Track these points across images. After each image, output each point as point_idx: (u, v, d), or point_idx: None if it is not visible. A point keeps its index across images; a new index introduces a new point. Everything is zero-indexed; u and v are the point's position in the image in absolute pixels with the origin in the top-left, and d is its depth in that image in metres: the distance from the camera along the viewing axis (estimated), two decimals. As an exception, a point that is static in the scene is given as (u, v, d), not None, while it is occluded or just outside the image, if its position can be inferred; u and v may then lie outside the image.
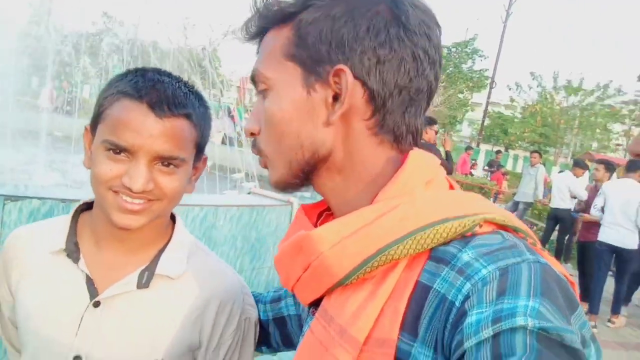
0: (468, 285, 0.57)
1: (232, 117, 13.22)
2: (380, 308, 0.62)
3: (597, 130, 31.57)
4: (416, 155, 0.69)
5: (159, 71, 0.98)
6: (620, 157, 29.19)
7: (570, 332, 0.50)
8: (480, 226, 0.63)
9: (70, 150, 7.00)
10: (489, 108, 28.85)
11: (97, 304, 0.97)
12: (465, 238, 0.62)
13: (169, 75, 0.99)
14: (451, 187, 0.73)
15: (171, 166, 0.94)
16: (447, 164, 7.29)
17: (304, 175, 0.73)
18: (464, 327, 0.53)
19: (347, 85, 0.67)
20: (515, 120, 33.37)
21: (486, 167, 18.38)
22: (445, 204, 0.65)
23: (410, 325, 0.60)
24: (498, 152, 20.17)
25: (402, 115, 0.70)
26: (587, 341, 0.54)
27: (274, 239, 4.47)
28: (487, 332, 0.51)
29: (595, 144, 33.36)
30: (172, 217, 1.11)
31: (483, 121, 27.06)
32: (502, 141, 33.39)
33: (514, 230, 0.66)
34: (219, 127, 12.88)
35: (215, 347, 1.06)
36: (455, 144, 27.43)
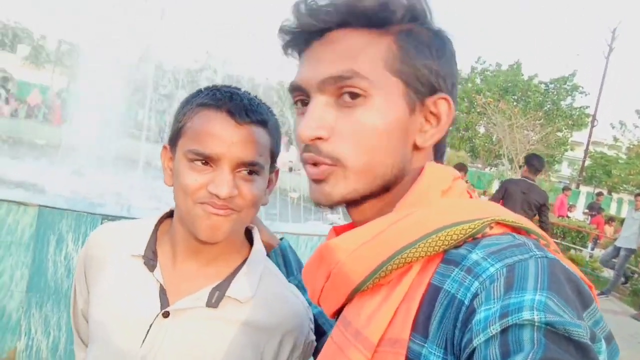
0: (476, 284, 0.57)
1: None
2: (394, 310, 0.63)
3: None
4: (432, 166, 0.71)
5: (230, 86, 1.02)
6: None
7: (577, 327, 0.49)
8: (491, 227, 0.64)
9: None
10: (591, 148, 27.49)
11: (166, 314, 0.99)
12: (476, 240, 0.63)
13: (240, 89, 1.02)
14: (470, 197, 0.73)
15: (252, 174, 0.96)
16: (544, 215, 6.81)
17: (376, 194, 0.72)
18: (473, 324, 0.54)
19: (448, 114, 0.72)
20: (620, 161, 31.45)
21: (586, 210, 17.40)
22: (459, 209, 0.66)
23: (421, 325, 0.61)
24: (599, 194, 19.03)
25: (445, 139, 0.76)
26: (598, 337, 0.52)
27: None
28: (495, 328, 0.51)
29: None
30: (249, 237, 1.13)
31: (584, 161, 25.82)
32: (605, 183, 31.50)
33: (527, 232, 0.66)
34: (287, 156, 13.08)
35: None
36: (553, 184, 26.23)
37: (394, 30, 0.69)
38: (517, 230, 0.66)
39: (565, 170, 42.23)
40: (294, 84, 0.73)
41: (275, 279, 1.11)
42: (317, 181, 0.71)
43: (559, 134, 30.55)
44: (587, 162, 27.96)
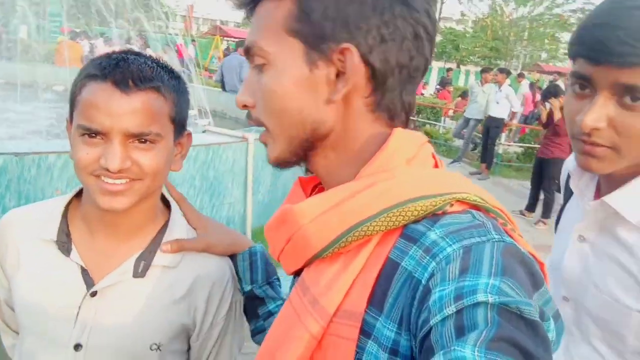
0: (433, 264, 0.58)
1: (178, 51, 12.83)
2: (351, 281, 0.64)
3: (546, 41, 31.96)
4: (399, 133, 0.70)
5: (125, 52, 0.98)
6: (568, 66, 29.73)
7: (528, 305, 0.52)
8: (452, 205, 0.64)
9: (17, 98, 6.75)
10: (441, 24, 28.70)
11: (93, 294, 0.99)
12: (435, 217, 0.64)
13: (137, 54, 0.99)
14: (436, 165, 0.73)
15: (147, 142, 0.94)
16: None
17: (303, 152, 0.73)
18: (430, 304, 0.55)
19: (353, 64, 0.67)
20: (467, 35, 33.39)
21: (438, 87, 18.57)
22: (422, 183, 0.66)
23: (377, 299, 0.62)
24: (449, 69, 20.36)
25: (399, 93, 0.71)
26: (547, 315, 0.55)
27: (232, 176, 4.59)
28: (451, 309, 0.52)
29: (544, 55, 33.85)
30: (165, 202, 1.13)
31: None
32: (455, 57, 33.48)
33: (486, 211, 0.67)
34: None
35: (209, 328, 1.09)
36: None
37: None
38: (477, 208, 0.66)
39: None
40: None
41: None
42: (265, 144, 0.76)
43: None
44: (438, 38, 29.27)
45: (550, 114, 6.82)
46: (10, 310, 1.12)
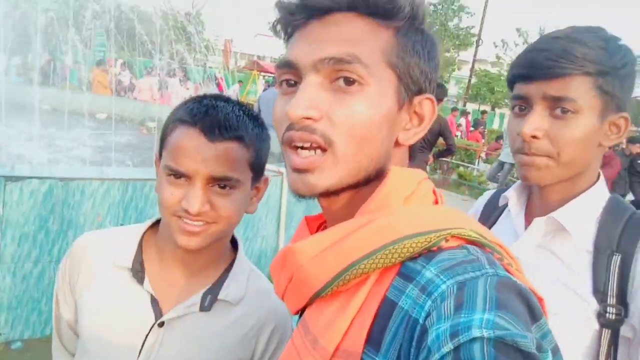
0: (429, 302, 0.58)
1: (218, 84, 13.12)
2: (350, 320, 0.64)
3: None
4: (397, 171, 0.70)
5: (216, 97, 1.04)
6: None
7: (524, 337, 0.51)
8: (447, 240, 0.64)
9: (64, 125, 6.98)
10: (476, 66, 28.78)
11: (161, 324, 1.03)
12: (431, 253, 0.63)
13: (226, 100, 1.04)
14: (437, 202, 0.73)
15: (227, 188, 0.98)
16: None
17: (357, 185, 0.70)
18: (428, 344, 0.54)
19: (431, 115, 0.73)
20: (502, 78, 33.31)
21: (472, 129, 18.52)
22: (418, 219, 0.65)
23: (375, 339, 0.62)
24: (483, 112, 20.33)
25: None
26: (544, 347, 0.54)
27: (266, 209, 4.62)
28: (448, 347, 0.52)
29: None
30: (233, 242, 1.17)
31: (470, 80, 27.05)
32: (489, 100, 33.44)
33: (482, 245, 0.66)
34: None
35: None
36: (443, 104, 27.36)
37: (396, 25, 0.70)
38: (474, 243, 0.66)
39: (452, 88, 44.09)
40: (286, 60, 0.70)
41: (261, 277, 1.17)
42: (300, 171, 0.68)
43: (447, 54, 31.78)
44: (473, 81, 29.32)
45: None
46: (70, 332, 1.15)
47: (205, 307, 1.05)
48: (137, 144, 7.63)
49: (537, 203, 1.15)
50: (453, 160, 12.88)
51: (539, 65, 1.02)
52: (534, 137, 1.03)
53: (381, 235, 0.64)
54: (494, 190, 1.41)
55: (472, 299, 0.55)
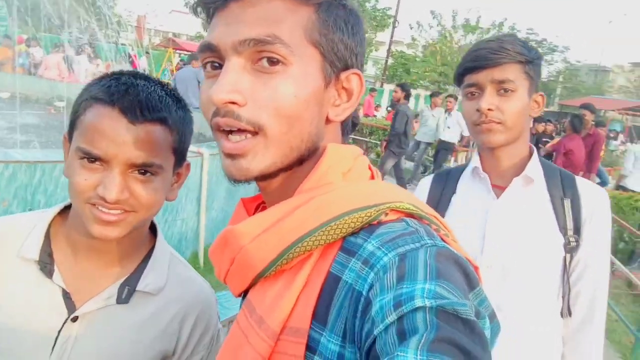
0: (372, 274, 0.60)
1: (132, 62, 12.61)
2: (295, 298, 0.65)
3: (492, 69, 33.06)
4: (333, 148, 0.70)
5: (134, 74, 0.95)
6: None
7: (464, 305, 0.53)
8: (387, 214, 0.66)
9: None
10: (392, 47, 29.30)
11: (75, 319, 0.95)
12: (371, 227, 0.65)
13: (146, 78, 0.96)
14: (372, 177, 0.75)
15: (147, 174, 0.92)
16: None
17: (290, 166, 0.70)
18: (372, 315, 0.56)
19: (359, 90, 0.73)
20: (417, 59, 34.23)
21: (389, 108, 18.89)
22: (357, 195, 0.67)
23: (321, 314, 0.63)
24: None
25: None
26: (482, 314, 0.57)
27: (185, 191, 4.51)
28: (392, 317, 0.54)
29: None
30: (151, 227, 1.10)
31: (387, 61, 27.53)
32: (405, 81, 34.24)
33: (419, 218, 0.68)
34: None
35: (189, 356, 1.07)
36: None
37: (316, 1, 0.69)
38: (411, 215, 0.68)
39: (370, 69, 44.78)
40: (207, 43, 0.69)
41: (182, 264, 1.11)
42: (232, 156, 0.68)
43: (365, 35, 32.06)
44: (390, 62, 29.86)
45: None
46: None
47: (122, 299, 0.99)
48: (44, 125, 7.20)
49: (492, 168, 1.49)
50: (371, 140, 13.12)
51: (484, 58, 1.37)
52: (490, 109, 1.37)
53: (321, 212, 0.65)
54: (429, 177, 1.68)
55: (414, 270, 0.57)
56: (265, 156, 0.67)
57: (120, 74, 0.96)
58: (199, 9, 0.73)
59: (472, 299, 0.58)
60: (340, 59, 0.70)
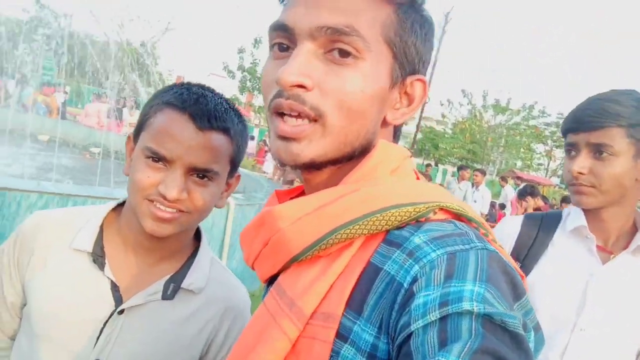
0: (416, 268, 0.57)
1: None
2: (330, 284, 0.63)
3: (522, 149, 33.25)
4: (384, 144, 0.69)
5: (202, 87, 1.02)
6: (541, 176, 30.87)
7: (512, 318, 0.51)
8: (435, 213, 0.64)
9: (4, 144, 6.74)
10: (422, 123, 29.72)
11: (121, 312, 0.99)
12: (419, 223, 0.63)
13: (212, 91, 1.03)
14: (417, 179, 0.73)
15: (205, 179, 0.97)
16: None
17: (343, 159, 0.69)
18: (412, 309, 0.54)
19: (422, 97, 0.72)
20: (446, 135, 34.56)
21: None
22: (406, 190, 0.65)
23: (357, 303, 0.61)
24: (428, 165, 20.93)
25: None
26: (529, 327, 0.55)
27: (209, 239, 4.56)
28: (434, 315, 0.51)
29: (519, 163, 35.08)
30: (196, 233, 1.14)
31: (415, 135, 27.87)
32: (433, 155, 34.46)
33: (468, 220, 0.66)
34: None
35: (224, 357, 1.10)
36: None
37: (397, 1, 0.68)
38: (459, 217, 0.66)
39: (399, 143, 45.17)
40: (280, 23, 0.67)
41: (221, 267, 1.16)
42: (285, 138, 0.66)
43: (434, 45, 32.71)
44: (419, 136, 30.21)
45: (525, 212, 7.05)
46: (9, 314, 1.07)
47: (167, 295, 1.03)
48: (78, 167, 7.42)
49: (596, 228, 1.41)
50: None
51: (582, 120, 1.34)
52: (580, 173, 1.34)
53: (368, 203, 0.63)
54: (519, 217, 1.58)
55: (464, 269, 0.55)
56: (319, 144, 0.66)
57: (190, 84, 1.02)
58: None
59: (517, 309, 0.56)
60: (409, 63, 0.70)
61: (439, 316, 0.51)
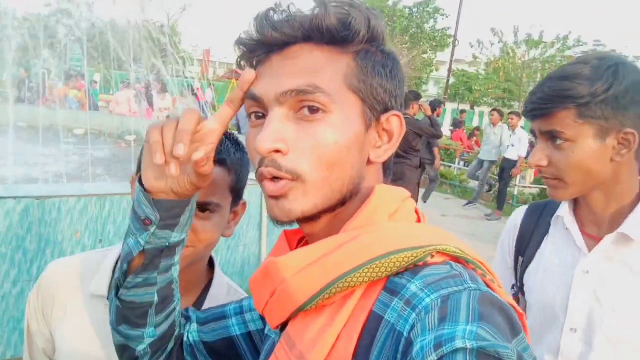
0: (413, 315, 0.60)
1: (195, 95, 13.08)
2: (336, 334, 0.65)
3: (559, 82, 32.11)
4: (381, 188, 0.72)
5: None
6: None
7: (506, 348, 0.52)
8: (432, 256, 0.66)
9: (38, 142, 6.91)
10: (453, 66, 29.03)
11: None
12: (416, 268, 0.65)
13: None
14: (419, 220, 0.75)
15: (206, 211, 0.97)
16: (434, 130, 7.51)
17: (332, 208, 0.71)
18: (413, 356, 0.55)
19: (399, 129, 0.74)
20: (479, 77, 33.72)
21: (451, 127, 18.65)
22: (404, 235, 0.67)
23: (362, 353, 0.63)
24: (462, 111, 20.49)
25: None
26: (525, 359, 0.56)
27: (247, 217, 4.62)
28: (432, 358, 0.53)
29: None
30: (209, 260, 1.15)
31: (447, 80, 27.27)
32: (468, 99, 33.77)
33: (465, 262, 0.68)
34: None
35: None
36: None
37: (353, 49, 0.71)
38: (457, 259, 0.68)
39: (432, 89, 44.46)
40: (252, 94, 0.72)
41: (238, 294, 1.16)
42: (275, 197, 0.69)
43: (424, 55, 32.18)
44: (451, 80, 29.54)
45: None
46: (44, 356, 1.12)
47: None
48: (115, 158, 7.58)
49: (584, 214, 1.29)
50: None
51: (531, 107, 1.21)
52: (539, 165, 1.21)
53: (368, 250, 0.65)
54: (525, 207, 1.51)
55: (456, 312, 0.57)
56: (305, 199, 0.69)
57: None
58: (242, 63, 0.76)
59: (514, 344, 0.57)
60: (379, 103, 0.72)
61: (435, 358, 0.53)
